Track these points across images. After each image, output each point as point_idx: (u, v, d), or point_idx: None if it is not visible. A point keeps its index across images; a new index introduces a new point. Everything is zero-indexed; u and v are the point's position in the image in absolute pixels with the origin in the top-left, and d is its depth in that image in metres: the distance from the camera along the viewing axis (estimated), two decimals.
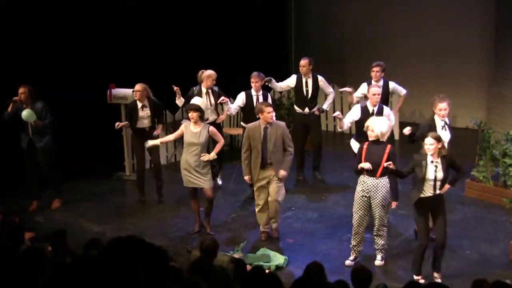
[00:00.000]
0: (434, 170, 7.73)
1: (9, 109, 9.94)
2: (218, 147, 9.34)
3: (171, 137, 9.68)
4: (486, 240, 9.20)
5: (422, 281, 7.95)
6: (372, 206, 8.31)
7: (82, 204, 10.75)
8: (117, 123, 10.48)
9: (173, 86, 10.54)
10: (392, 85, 10.62)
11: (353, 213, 8.45)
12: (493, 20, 13.05)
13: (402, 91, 10.75)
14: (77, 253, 6.29)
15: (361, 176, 8.31)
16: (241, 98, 10.58)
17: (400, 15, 14.35)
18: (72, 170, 11.04)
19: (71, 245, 6.95)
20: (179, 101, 10.70)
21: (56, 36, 11.31)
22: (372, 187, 8.22)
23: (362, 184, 8.29)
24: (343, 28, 15.09)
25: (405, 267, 8.47)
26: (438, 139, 7.73)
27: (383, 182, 8.22)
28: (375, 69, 10.44)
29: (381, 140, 8.20)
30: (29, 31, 11.03)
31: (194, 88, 10.71)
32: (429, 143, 7.70)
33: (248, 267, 7.91)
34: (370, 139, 8.25)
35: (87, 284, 4.65)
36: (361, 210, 8.36)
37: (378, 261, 8.51)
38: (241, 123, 10.94)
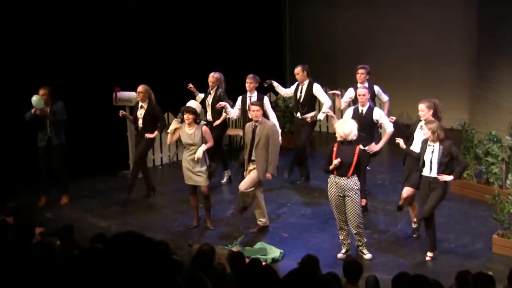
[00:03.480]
0: (430, 152, 8.14)
1: (33, 109, 9.90)
2: (205, 146, 9.16)
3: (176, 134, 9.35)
4: (470, 234, 9.21)
5: (428, 258, 8.41)
6: (347, 205, 8.32)
7: (89, 200, 10.73)
8: (121, 111, 10.53)
9: (189, 85, 10.57)
10: (376, 88, 10.60)
11: (333, 213, 8.51)
12: (476, 27, 13.05)
13: (385, 97, 10.71)
14: (84, 246, 6.29)
15: (332, 177, 8.33)
16: (238, 102, 10.63)
17: (388, 23, 14.34)
18: (79, 168, 11.03)
19: (79, 239, 6.95)
20: (198, 97, 10.72)
21: (63, 39, 11.31)
22: (345, 186, 8.24)
23: (335, 185, 8.30)
24: (336, 35, 15.07)
25: (394, 259, 8.48)
26: (431, 129, 8.10)
27: (354, 181, 8.25)
28: (360, 71, 10.40)
29: (348, 140, 8.24)
30: (35, 34, 11.02)
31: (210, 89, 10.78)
32: (423, 133, 8.26)
33: (246, 260, 7.94)
34: (338, 140, 8.29)
35: (93, 275, 4.65)
36: (338, 209, 8.40)
37: (366, 255, 8.50)
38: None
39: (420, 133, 8.63)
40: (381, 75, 11.01)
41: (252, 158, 9.09)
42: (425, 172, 8.22)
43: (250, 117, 9.24)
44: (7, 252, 5.66)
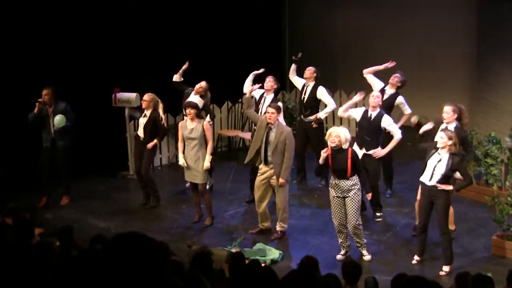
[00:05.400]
0: (436, 160, 7.93)
1: (36, 110, 9.95)
2: (209, 149, 9.38)
3: (180, 144, 9.56)
4: (469, 235, 9.24)
5: (414, 261, 8.30)
6: (346, 205, 8.33)
7: (89, 201, 10.74)
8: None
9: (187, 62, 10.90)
10: (400, 99, 10.35)
11: (332, 215, 8.52)
12: (475, 28, 13.08)
13: (408, 110, 10.42)
14: (83, 247, 6.30)
15: (333, 180, 8.36)
16: (259, 91, 10.45)
17: (387, 25, 14.36)
18: (79, 169, 11.04)
19: (78, 240, 6.97)
20: (176, 76, 10.93)
21: (62, 40, 11.33)
22: (344, 187, 8.27)
23: (335, 187, 8.33)
24: (336, 35, 15.10)
25: (393, 260, 8.50)
26: (450, 137, 7.87)
27: (355, 181, 8.27)
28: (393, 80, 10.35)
29: (342, 146, 8.22)
30: (35, 35, 11.05)
31: (190, 88, 10.80)
32: (440, 136, 7.99)
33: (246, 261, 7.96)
34: (332, 145, 8.25)
35: (92, 276, 4.66)
36: (338, 210, 8.40)
37: (366, 257, 8.52)
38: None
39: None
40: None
41: (269, 160, 8.96)
42: (425, 178, 8.06)
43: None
44: (7, 252, 5.67)
